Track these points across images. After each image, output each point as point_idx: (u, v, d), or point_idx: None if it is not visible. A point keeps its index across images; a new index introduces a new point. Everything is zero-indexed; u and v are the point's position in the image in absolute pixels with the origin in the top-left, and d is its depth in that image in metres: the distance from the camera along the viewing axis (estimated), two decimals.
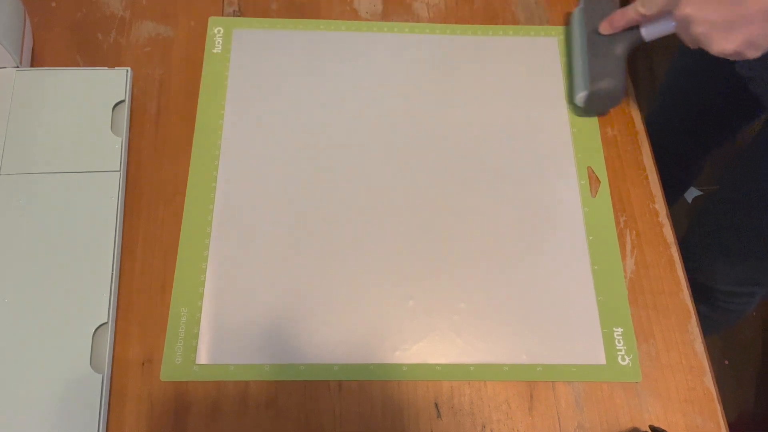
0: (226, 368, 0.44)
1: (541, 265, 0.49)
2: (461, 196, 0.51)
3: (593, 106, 0.53)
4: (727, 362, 1.15)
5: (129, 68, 0.53)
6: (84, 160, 0.49)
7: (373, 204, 0.50)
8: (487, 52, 0.57)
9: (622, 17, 0.50)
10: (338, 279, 0.47)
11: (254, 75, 0.55)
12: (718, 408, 0.45)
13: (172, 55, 0.56)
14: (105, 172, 0.49)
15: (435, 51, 0.57)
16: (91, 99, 0.51)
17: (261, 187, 0.50)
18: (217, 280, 0.47)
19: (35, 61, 0.54)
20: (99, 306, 0.44)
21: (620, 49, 0.51)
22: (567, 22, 0.59)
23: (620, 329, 0.47)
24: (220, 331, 0.45)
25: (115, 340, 0.45)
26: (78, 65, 0.54)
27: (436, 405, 0.44)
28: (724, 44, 0.43)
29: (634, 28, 0.50)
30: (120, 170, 0.49)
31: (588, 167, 0.53)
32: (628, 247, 0.50)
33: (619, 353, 0.46)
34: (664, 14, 0.47)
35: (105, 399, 0.42)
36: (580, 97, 0.52)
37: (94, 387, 0.42)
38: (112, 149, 0.50)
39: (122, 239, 0.48)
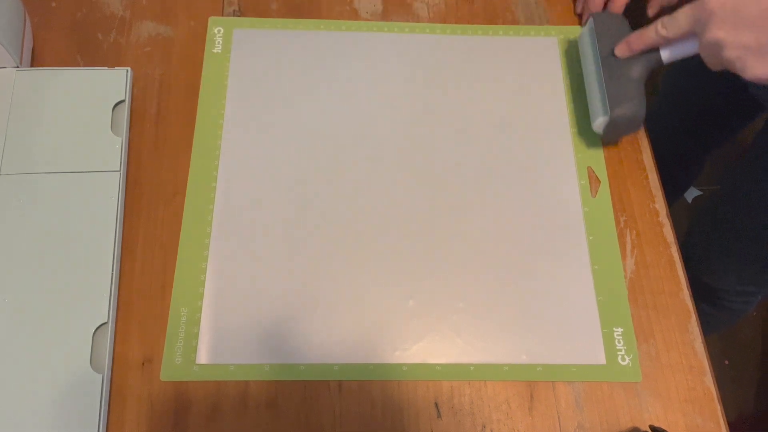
0: (226, 368, 0.44)
1: (541, 264, 0.49)
2: (461, 196, 0.51)
3: (613, 133, 0.51)
4: (727, 362, 1.15)
5: (129, 68, 0.53)
6: (84, 160, 0.49)
7: (373, 203, 0.50)
8: (487, 52, 0.57)
9: (641, 39, 0.48)
10: (338, 279, 0.47)
11: (254, 75, 0.55)
12: (718, 408, 0.45)
13: (172, 55, 0.56)
14: (105, 172, 0.49)
15: (435, 51, 0.57)
16: (91, 99, 0.51)
17: (261, 186, 0.50)
18: (217, 280, 0.47)
19: (35, 61, 0.54)
20: (99, 306, 0.44)
21: (638, 72, 0.49)
22: (566, 21, 0.59)
23: (620, 329, 0.47)
24: (220, 331, 0.45)
25: (115, 340, 0.45)
26: (78, 65, 0.54)
27: (436, 405, 0.44)
28: (760, 69, 0.40)
29: (653, 50, 0.48)
30: (120, 170, 0.49)
31: (588, 167, 0.53)
32: (628, 246, 0.50)
33: (619, 353, 0.46)
34: (687, 36, 0.45)
35: (105, 399, 0.42)
36: (599, 123, 0.50)
37: (94, 387, 0.42)
38: (112, 149, 0.50)
39: (122, 239, 0.48)
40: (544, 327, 0.46)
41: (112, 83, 0.52)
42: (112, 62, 0.55)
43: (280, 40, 0.57)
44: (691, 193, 1.27)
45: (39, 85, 0.51)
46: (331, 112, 0.54)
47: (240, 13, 0.58)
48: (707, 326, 0.48)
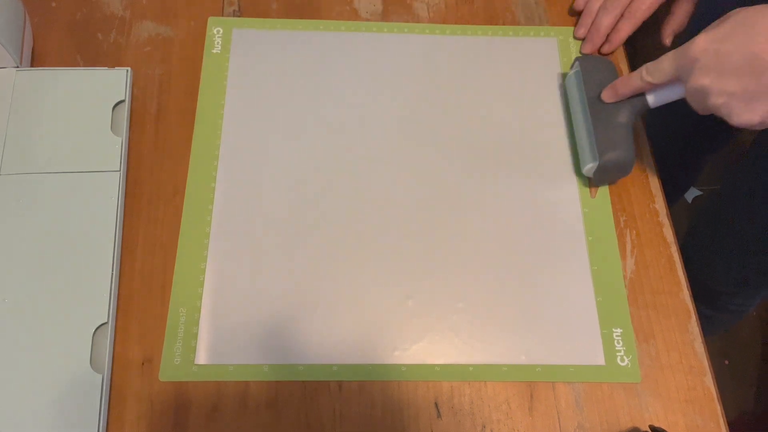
0: (225, 368, 0.44)
1: (540, 265, 0.49)
2: (460, 197, 0.51)
3: (602, 177, 0.50)
4: (727, 362, 1.15)
5: (129, 68, 0.53)
6: (84, 160, 0.49)
7: (372, 204, 0.50)
8: (487, 53, 0.57)
9: (627, 85, 0.48)
10: (337, 279, 0.47)
11: (254, 75, 0.55)
12: (718, 408, 0.45)
13: (172, 55, 0.56)
14: (105, 172, 0.49)
15: (435, 51, 0.57)
16: (91, 99, 0.51)
17: (260, 186, 0.50)
18: (216, 280, 0.47)
19: (35, 61, 0.54)
20: (99, 306, 0.44)
21: (625, 117, 0.48)
22: (566, 21, 0.59)
23: (619, 330, 0.47)
24: (219, 331, 0.45)
25: (115, 340, 0.45)
26: (78, 65, 0.54)
27: (436, 405, 0.44)
28: (746, 116, 0.40)
29: (640, 95, 0.48)
30: (120, 170, 0.49)
31: None
32: (628, 246, 0.50)
33: (618, 354, 0.46)
34: (672, 82, 0.45)
35: (105, 399, 0.42)
36: (589, 168, 0.50)
37: (94, 387, 0.42)
38: (112, 149, 0.50)
39: (122, 239, 0.48)
40: (544, 327, 0.46)
41: (112, 83, 0.52)
42: (112, 62, 0.55)
43: (280, 40, 0.57)
44: (691, 193, 1.27)
45: (39, 85, 0.51)
46: (330, 113, 0.54)
47: (240, 13, 0.58)
48: (706, 328, 0.48)
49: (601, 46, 0.57)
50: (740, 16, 0.39)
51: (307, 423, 0.43)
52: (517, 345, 0.46)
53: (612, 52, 0.58)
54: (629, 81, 0.47)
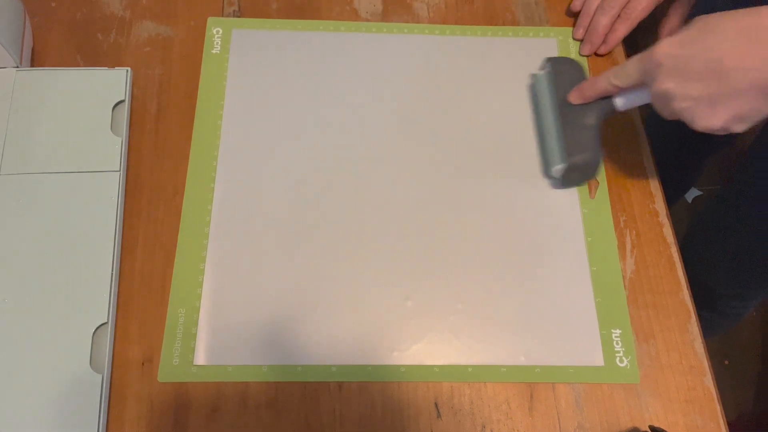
0: (224, 369, 0.44)
1: (539, 266, 0.49)
2: (459, 197, 0.51)
3: (570, 179, 0.50)
4: (727, 362, 1.15)
5: (129, 68, 0.53)
6: (84, 160, 0.49)
7: (372, 204, 0.50)
8: (487, 53, 0.57)
9: (593, 88, 0.48)
10: (336, 279, 0.47)
11: (253, 76, 0.55)
12: (718, 408, 0.45)
13: (172, 55, 0.56)
14: (105, 172, 0.49)
15: (435, 51, 0.57)
16: (91, 99, 0.51)
17: (259, 187, 0.50)
18: (215, 281, 0.47)
19: (35, 61, 0.54)
20: (99, 306, 0.44)
21: (593, 119, 0.48)
22: (566, 22, 0.60)
23: (618, 331, 0.47)
24: (217, 332, 0.45)
25: (115, 340, 0.45)
26: (78, 65, 0.54)
27: (436, 405, 0.44)
28: (709, 120, 0.40)
29: (608, 97, 0.48)
30: (120, 170, 0.49)
31: None
32: (628, 247, 0.50)
33: (617, 355, 0.46)
34: (638, 86, 0.45)
35: (105, 399, 0.42)
36: (557, 170, 0.50)
37: (94, 387, 0.42)
38: (112, 149, 0.50)
39: (122, 239, 0.48)
40: (543, 328, 0.46)
41: (112, 83, 0.52)
42: (112, 62, 0.55)
43: (279, 40, 0.57)
44: (691, 193, 1.27)
45: (39, 85, 0.51)
46: (330, 113, 0.54)
47: (240, 13, 0.58)
48: (704, 330, 0.48)
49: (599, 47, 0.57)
50: (703, 21, 0.40)
51: (307, 423, 0.43)
52: (516, 346, 0.46)
53: (609, 53, 0.58)
54: (596, 84, 0.47)
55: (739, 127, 0.41)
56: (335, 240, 0.49)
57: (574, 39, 0.58)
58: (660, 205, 0.52)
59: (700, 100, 0.40)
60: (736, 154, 0.72)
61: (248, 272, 0.47)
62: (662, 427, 0.43)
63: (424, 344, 0.45)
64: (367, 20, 0.59)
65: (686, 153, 0.88)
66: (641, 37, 0.58)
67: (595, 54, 0.58)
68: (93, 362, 0.43)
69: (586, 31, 0.57)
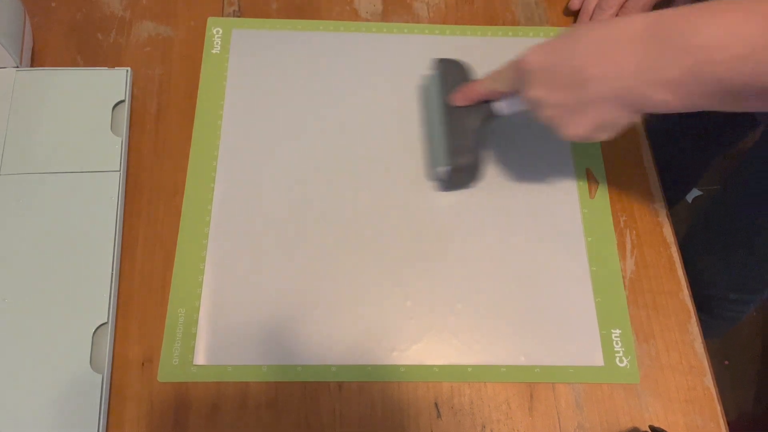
0: (224, 369, 0.44)
1: (539, 266, 0.49)
2: (458, 197, 0.51)
3: (453, 181, 0.50)
4: (727, 362, 1.15)
5: (129, 68, 0.53)
6: (84, 160, 0.49)
7: (372, 204, 0.50)
8: (487, 53, 0.57)
9: (473, 91, 0.47)
10: (336, 279, 0.47)
11: (253, 75, 0.55)
12: (718, 408, 0.45)
13: (172, 55, 0.56)
14: (105, 172, 0.49)
15: (435, 51, 0.57)
16: (91, 99, 0.51)
17: (259, 187, 0.50)
18: (215, 281, 0.47)
19: (35, 61, 0.54)
20: (99, 306, 0.44)
21: (476, 122, 0.47)
22: (566, 22, 0.60)
23: (618, 331, 0.47)
24: (217, 332, 0.45)
25: (115, 340, 0.45)
26: (78, 65, 0.54)
27: (436, 405, 0.44)
28: (573, 128, 0.40)
29: (490, 101, 0.47)
30: (120, 170, 0.49)
31: (587, 168, 0.53)
32: (628, 246, 0.50)
33: (617, 355, 0.46)
34: (513, 91, 0.44)
35: (105, 399, 0.42)
36: (440, 171, 0.49)
37: (94, 387, 0.42)
38: (112, 149, 0.50)
39: (122, 239, 0.48)
40: (542, 328, 0.46)
41: (112, 83, 0.52)
42: (112, 62, 0.55)
43: (279, 40, 0.57)
44: (692, 194, 1.27)
45: (39, 85, 0.51)
46: (330, 113, 0.54)
47: (240, 13, 0.58)
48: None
49: None
50: (571, 30, 0.40)
51: (307, 423, 0.43)
52: (515, 346, 0.46)
53: None
54: (476, 86, 0.47)
55: (602, 136, 0.41)
56: (335, 240, 0.49)
57: None
58: (660, 205, 0.52)
59: (565, 108, 0.40)
60: (736, 156, 0.72)
61: (248, 272, 0.47)
62: (662, 427, 0.43)
63: (423, 344, 0.45)
64: (367, 20, 0.59)
65: (688, 154, 0.88)
66: None
67: None
68: (93, 362, 0.43)
69: None
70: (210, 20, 0.57)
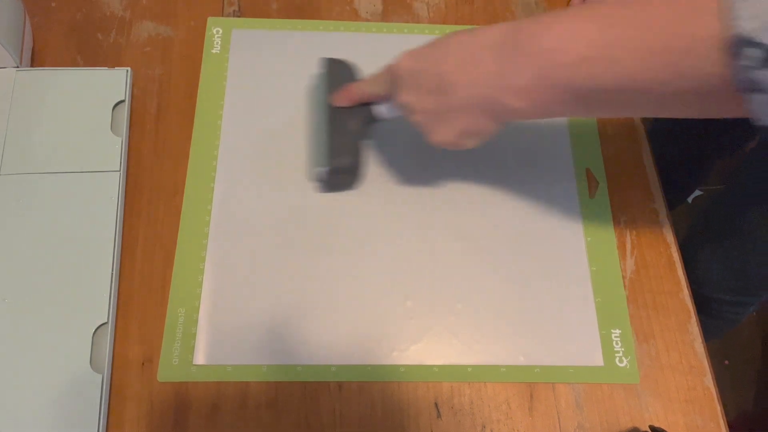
0: (224, 369, 0.44)
1: (539, 266, 0.49)
2: (458, 197, 0.51)
3: (331, 183, 0.49)
4: (727, 362, 1.15)
5: (129, 68, 0.53)
6: (84, 160, 0.49)
7: (371, 204, 0.50)
8: None
9: (352, 92, 0.46)
10: (335, 279, 0.47)
11: (253, 75, 0.55)
12: (718, 408, 0.45)
13: (172, 55, 0.56)
14: (105, 172, 0.49)
15: None
16: (91, 99, 0.51)
17: (258, 187, 0.50)
18: (215, 281, 0.47)
19: (35, 61, 0.54)
20: (99, 306, 0.44)
21: (356, 124, 0.47)
22: None
23: (618, 331, 0.47)
24: (217, 332, 0.45)
25: (115, 340, 0.45)
26: (78, 65, 0.54)
27: (436, 405, 0.44)
28: (440, 135, 0.40)
29: (370, 104, 0.46)
30: (120, 170, 0.49)
31: (586, 168, 0.53)
32: (628, 246, 0.50)
33: (617, 355, 0.46)
34: (389, 96, 0.44)
35: (105, 399, 0.42)
36: (318, 172, 0.49)
37: (94, 387, 0.42)
38: (112, 149, 0.50)
39: (122, 239, 0.48)
40: (542, 328, 0.46)
41: (112, 83, 0.52)
42: (112, 62, 0.55)
43: (279, 40, 0.57)
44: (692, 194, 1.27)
45: (39, 85, 0.51)
46: None
47: (240, 13, 0.58)
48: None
49: None
50: (443, 37, 0.40)
51: (307, 423, 0.43)
52: (515, 346, 0.46)
53: None
54: (356, 88, 0.47)
55: (469, 143, 0.41)
56: (335, 240, 0.49)
57: None
58: (660, 205, 0.52)
59: (432, 114, 0.40)
60: (736, 156, 0.72)
61: (248, 272, 0.47)
62: (662, 427, 0.43)
63: (423, 344, 0.46)
64: (367, 20, 0.59)
65: (690, 155, 0.88)
66: None
67: None
68: (93, 362, 0.43)
69: None
70: (210, 20, 0.57)
